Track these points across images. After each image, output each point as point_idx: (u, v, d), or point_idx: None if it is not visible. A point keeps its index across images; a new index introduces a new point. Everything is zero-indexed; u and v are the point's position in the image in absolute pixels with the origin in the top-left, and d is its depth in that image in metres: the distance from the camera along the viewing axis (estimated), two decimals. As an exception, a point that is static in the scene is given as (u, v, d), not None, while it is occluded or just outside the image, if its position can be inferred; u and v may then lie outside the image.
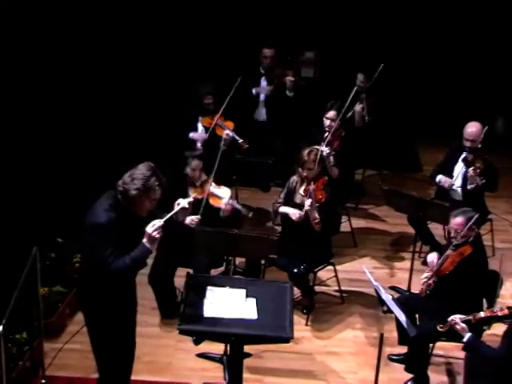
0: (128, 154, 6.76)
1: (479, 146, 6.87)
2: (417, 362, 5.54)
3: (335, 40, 9.67)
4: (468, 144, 6.85)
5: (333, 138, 7.17)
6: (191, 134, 7.63)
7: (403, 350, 5.76)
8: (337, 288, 6.73)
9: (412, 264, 6.66)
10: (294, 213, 6.32)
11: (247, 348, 4.95)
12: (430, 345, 5.60)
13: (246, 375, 5.06)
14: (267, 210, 7.69)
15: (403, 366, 5.65)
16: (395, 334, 5.78)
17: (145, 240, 4.44)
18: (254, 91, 8.52)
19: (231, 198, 6.42)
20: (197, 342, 5.79)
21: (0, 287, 5.30)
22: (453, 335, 5.08)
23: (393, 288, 6.77)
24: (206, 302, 4.75)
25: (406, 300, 5.76)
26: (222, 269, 6.48)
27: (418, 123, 9.63)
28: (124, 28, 7.99)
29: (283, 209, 6.46)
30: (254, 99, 8.54)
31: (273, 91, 8.45)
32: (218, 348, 5.72)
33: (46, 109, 6.67)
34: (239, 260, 6.69)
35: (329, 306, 6.68)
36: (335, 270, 6.64)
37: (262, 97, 8.56)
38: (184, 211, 5.25)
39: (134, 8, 8.24)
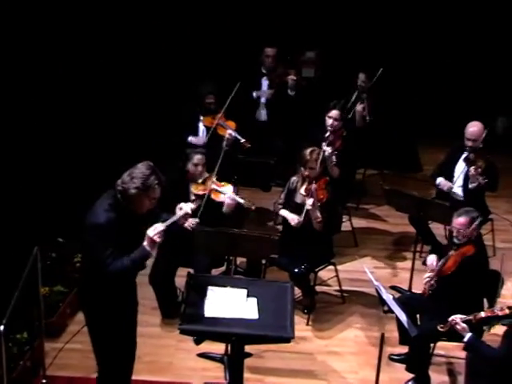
0: (128, 154, 6.75)
1: (481, 146, 6.87)
2: (418, 361, 5.54)
3: (336, 40, 9.66)
4: (469, 144, 6.85)
5: (335, 138, 7.17)
6: (190, 138, 7.59)
7: (404, 349, 5.77)
8: (338, 288, 6.73)
9: (413, 264, 6.66)
10: (292, 218, 6.32)
11: (248, 348, 4.95)
12: (431, 345, 5.60)
13: (246, 375, 5.06)
14: (268, 209, 7.69)
15: (404, 365, 5.65)
16: (396, 334, 5.79)
17: (145, 243, 4.43)
18: (254, 94, 8.52)
19: (233, 192, 6.39)
20: (197, 342, 5.79)
21: (1, 287, 5.30)
22: (454, 335, 5.07)
23: (394, 288, 6.77)
24: (206, 301, 4.75)
25: (407, 300, 5.76)
26: (222, 269, 6.47)
27: (418, 123, 9.63)
28: (124, 27, 7.99)
29: (283, 212, 6.47)
30: (254, 102, 8.54)
31: (274, 94, 8.46)
32: (218, 348, 5.72)
33: (47, 109, 6.66)
34: (240, 260, 6.69)
35: (330, 305, 6.68)
36: (336, 270, 6.64)
37: (262, 100, 8.57)
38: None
39: (134, 7, 8.24)
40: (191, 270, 6.00)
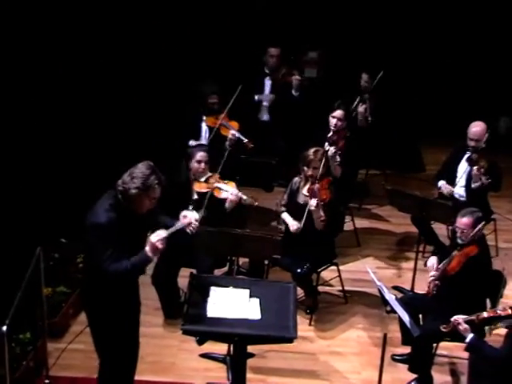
0: (128, 154, 6.75)
1: (483, 146, 6.87)
2: (420, 362, 5.53)
3: (338, 40, 9.66)
4: (472, 143, 6.85)
5: (338, 138, 7.17)
6: (191, 142, 7.58)
7: (407, 350, 5.76)
8: (340, 288, 6.73)
9: (415, 264, 6.65)
10: (292, 224, 6.33)
11: (250, 348, 4.95)
12: (434, 345, 5.59)
13: (249, 375, 5.06)
14: (271, 209, 7.69)
15: (407, 366, 5.64)
16: (399, 334, 5.78)
17: (147, 248, 4.43)
18: (256, 98, 8.52)
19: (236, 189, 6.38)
20: (200, 342, 5.77)
21: (4, 287, 5.31)
22: (456, 335, 5.07)
23: (396, 288, 6.76)
24: (209, 302, 4.75)
25: (410, 300, 5.75)
26: (225, 269, 6.48)
27: (420, 123, 9.62)
28: (125, 27, 7.98)
29: (284, 216, 6.47)
30: (256, 105, 8.54)
31: (275, 100, 8.46)
32: (221, 348, 5.72)
33: (47, 109, 6.67)
34: (242, 260, 6.69)
35: (332, 306, 6.68)
36: (338, 270, 6.64)
37: (265, 103, 8.58)
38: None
39: (135, 7, 8.23)
40: (194, 271, 5.99)
